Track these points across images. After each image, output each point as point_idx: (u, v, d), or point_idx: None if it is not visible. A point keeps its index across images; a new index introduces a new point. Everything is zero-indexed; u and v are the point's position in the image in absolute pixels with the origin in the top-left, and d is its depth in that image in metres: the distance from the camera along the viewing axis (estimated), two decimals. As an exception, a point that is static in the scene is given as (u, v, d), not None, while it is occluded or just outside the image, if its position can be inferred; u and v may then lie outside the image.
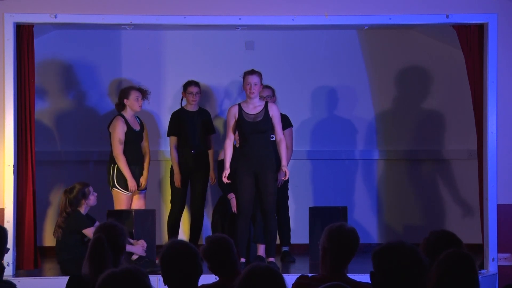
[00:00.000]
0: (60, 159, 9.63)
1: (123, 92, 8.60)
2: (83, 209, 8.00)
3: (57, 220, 8.05)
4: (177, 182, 8.87)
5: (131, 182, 8.40)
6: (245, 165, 7.92)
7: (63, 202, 7.98)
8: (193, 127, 8.90)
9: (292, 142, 8.99)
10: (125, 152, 8.41)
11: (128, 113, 8.53)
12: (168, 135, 9.02)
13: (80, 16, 7.98)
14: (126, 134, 8.45)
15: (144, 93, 8.61)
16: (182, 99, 9.04)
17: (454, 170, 9.81)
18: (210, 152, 9.01)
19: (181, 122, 8.91)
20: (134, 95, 8.51)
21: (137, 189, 8.48)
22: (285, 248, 9.04)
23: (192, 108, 8.98)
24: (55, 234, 7.96)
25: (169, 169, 9.07)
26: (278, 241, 8.90)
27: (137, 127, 8.60)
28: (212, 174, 8.99)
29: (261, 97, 8.75)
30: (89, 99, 9.74)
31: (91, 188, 8.06)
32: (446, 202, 9.83)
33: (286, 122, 8.84)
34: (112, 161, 8.46)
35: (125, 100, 8.52)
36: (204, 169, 8.94)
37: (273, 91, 8.98)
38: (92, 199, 8.04)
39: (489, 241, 7.94)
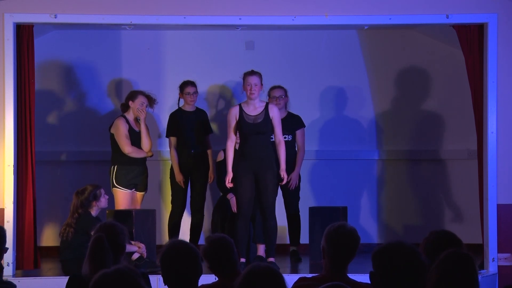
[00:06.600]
0: (60, 159, 9.63)
1: (131, 95, 8.69)
2: (94, 211, 7.99)
3: (66, 220, 8.00)
4: (179, 180, 8.86)
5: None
6: (245, 166, 7.92)
7: (74, 203, 7.97)
8: (191, 128, 8.91)
9: (304, 142, 8.98)
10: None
11: (130, 115, 8.63)
12: (167, 136, 9.03)
13: (80, 16, 7.98)
14: (128, 134, 8.50)
15: (151, 101, 8.70)
16: (179, 100, 9.05)
17: (454, 170, 9.81)
18: (209, 152, 9.02)
19: (179, 123, 8.92)
20: (140, 99, 8.58)
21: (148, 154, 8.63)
22: (292, 248, 9.07)
23: (190, 108, 8.99)
24: (63, 234, 7.91)
25: (169, 170, 9.07)
26: (283, 241, 8.94)
27: (137, 128, 8.65)
28: (211, 173, 9.00)
29: (273, 97, 8.78)
30: (89, 99, 9.74)
31: (102, 190, 8.06)
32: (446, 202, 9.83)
33: (298, 123, 8.89)
34: (114, 162, 8.54)
35: (130, 102, 8.61)
36: (203, 168, 8.95)
37: (285, 91, 9.00)
38: (103, 201, 8.03)
39: (489, 241, 7.93)
